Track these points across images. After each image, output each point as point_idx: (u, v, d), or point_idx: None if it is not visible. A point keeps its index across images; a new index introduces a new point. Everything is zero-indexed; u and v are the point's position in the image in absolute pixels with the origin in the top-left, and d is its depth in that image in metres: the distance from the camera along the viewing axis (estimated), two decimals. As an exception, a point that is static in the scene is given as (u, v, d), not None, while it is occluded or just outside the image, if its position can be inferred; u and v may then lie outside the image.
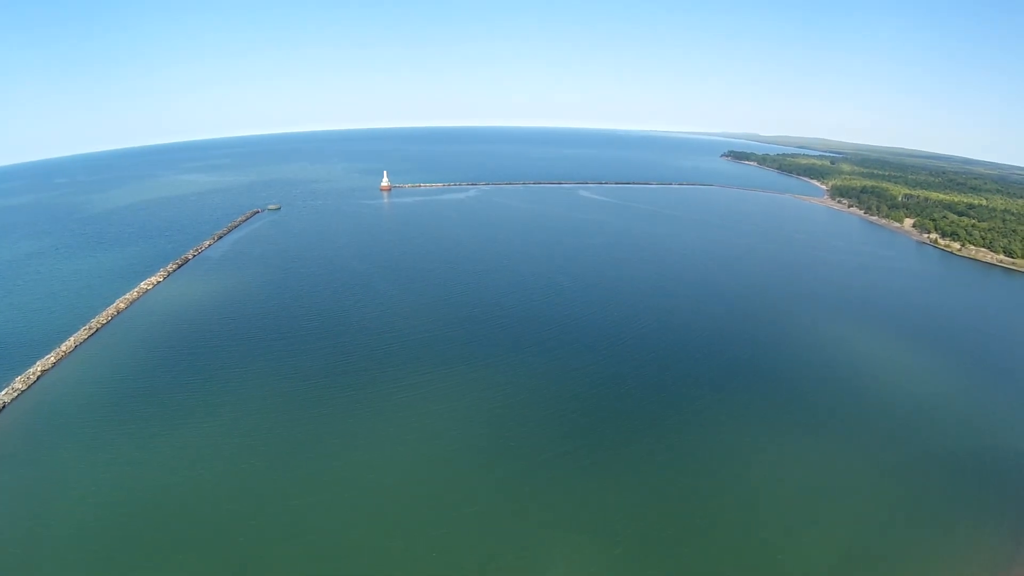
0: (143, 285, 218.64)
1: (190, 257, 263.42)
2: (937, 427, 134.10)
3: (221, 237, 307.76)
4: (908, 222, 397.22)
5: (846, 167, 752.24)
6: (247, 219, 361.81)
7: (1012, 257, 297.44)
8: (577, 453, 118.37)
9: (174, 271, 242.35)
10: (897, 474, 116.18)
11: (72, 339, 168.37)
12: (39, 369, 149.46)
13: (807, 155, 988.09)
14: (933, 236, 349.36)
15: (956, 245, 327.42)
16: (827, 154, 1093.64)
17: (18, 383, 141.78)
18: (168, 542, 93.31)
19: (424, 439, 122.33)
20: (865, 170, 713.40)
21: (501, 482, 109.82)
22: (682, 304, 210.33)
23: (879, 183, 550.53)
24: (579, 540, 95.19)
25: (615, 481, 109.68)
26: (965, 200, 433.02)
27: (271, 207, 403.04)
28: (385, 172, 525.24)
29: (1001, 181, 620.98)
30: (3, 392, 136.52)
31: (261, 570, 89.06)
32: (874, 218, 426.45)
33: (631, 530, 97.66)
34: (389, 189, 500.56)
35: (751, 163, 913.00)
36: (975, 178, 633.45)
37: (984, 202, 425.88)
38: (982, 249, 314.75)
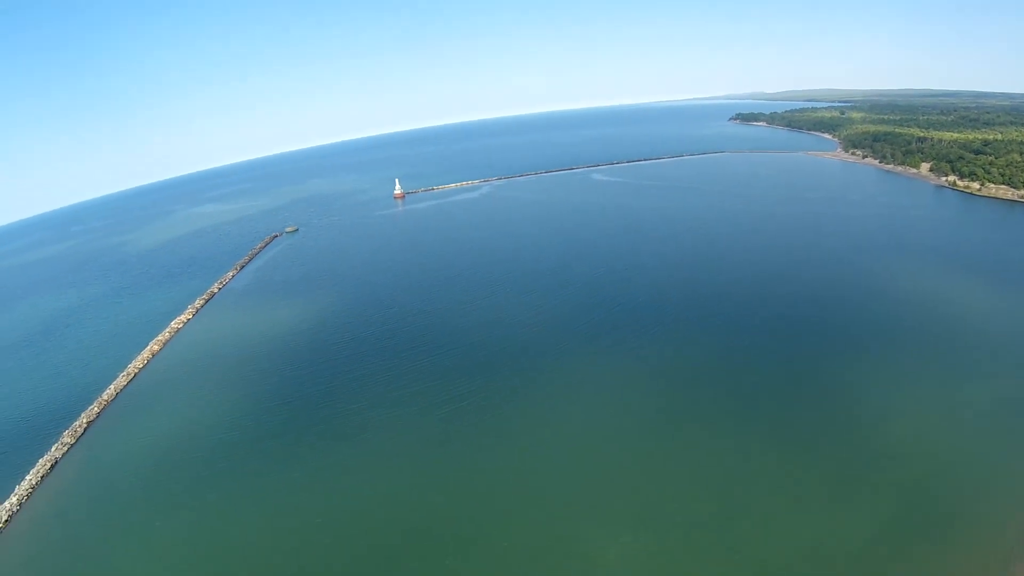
0: (174, 324, 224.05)
1: (216, 291, 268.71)
2: None
3: (243, 267, 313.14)
4: (925, 166, 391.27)
5: (856, 115, 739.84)
6: (266, 245, 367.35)
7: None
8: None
9: (202, 307, 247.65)
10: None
11: (113, 387, 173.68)
12: (84, 421, 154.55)
13: (816, 108, 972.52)
14: (951, 178, 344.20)
15: (976, 185, 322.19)
16: (836, 104, 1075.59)
17: (67, 437, 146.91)
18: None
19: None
20: (876, 116, 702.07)
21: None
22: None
23: (891, 128, 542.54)
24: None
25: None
26: (980, 137, 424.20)
27: (289, 229, 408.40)
28: (397, 180, 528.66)
29: (1015, 112, 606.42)
30: (54, 448, 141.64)
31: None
32: (889, 166, 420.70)
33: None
34: (403, 196, 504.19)
35: (760, 123, 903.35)
36: (987, 111, 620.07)
37: (999, 136, 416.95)
38: (1002, 187, 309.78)
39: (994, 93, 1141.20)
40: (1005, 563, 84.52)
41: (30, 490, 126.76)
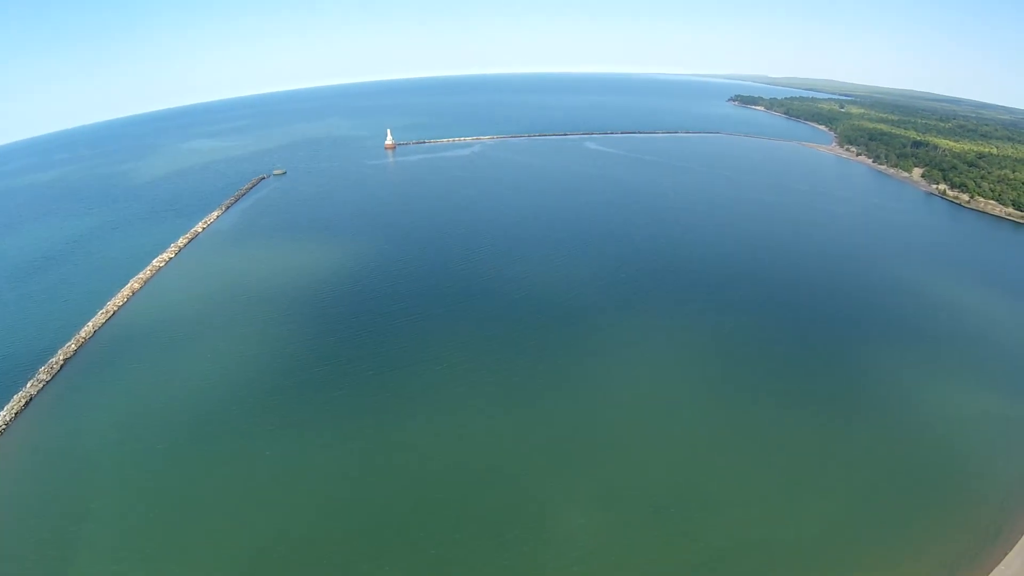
0: (155, 263, 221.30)
1: (200, 231, 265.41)
2: None
3: (229, 207, 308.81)
4: (917, 171, 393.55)
5: (855, 110, 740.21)
6: (253, 186, 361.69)
7: (1021, 210, 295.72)
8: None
9: (185, 246, 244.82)
10: (890, 439, 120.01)
11: (91, 324, 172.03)
12: (61, 358, 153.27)
13: (816, 98, 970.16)
14: (942, 187, 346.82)
15: (965, 197, 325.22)
16: (837, 97, 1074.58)
17: (42, 374, 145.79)
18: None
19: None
20: (875, 113, 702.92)
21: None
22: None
23: (889, 128, 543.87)
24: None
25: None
26: (975, 148, 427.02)
27: (276, 172, 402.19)
28: (389, 130, 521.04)
29: (1012, 127, 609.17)
30: (29, 384, 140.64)
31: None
32: (882, 167, 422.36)
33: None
34: (394, 147, 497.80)
35: (759, 108, 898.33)
36: (986, 124, 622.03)
37: (995, 150, 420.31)
38: (991, 201, 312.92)
39: (995, 105, 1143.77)
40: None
41: (3, 426, 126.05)
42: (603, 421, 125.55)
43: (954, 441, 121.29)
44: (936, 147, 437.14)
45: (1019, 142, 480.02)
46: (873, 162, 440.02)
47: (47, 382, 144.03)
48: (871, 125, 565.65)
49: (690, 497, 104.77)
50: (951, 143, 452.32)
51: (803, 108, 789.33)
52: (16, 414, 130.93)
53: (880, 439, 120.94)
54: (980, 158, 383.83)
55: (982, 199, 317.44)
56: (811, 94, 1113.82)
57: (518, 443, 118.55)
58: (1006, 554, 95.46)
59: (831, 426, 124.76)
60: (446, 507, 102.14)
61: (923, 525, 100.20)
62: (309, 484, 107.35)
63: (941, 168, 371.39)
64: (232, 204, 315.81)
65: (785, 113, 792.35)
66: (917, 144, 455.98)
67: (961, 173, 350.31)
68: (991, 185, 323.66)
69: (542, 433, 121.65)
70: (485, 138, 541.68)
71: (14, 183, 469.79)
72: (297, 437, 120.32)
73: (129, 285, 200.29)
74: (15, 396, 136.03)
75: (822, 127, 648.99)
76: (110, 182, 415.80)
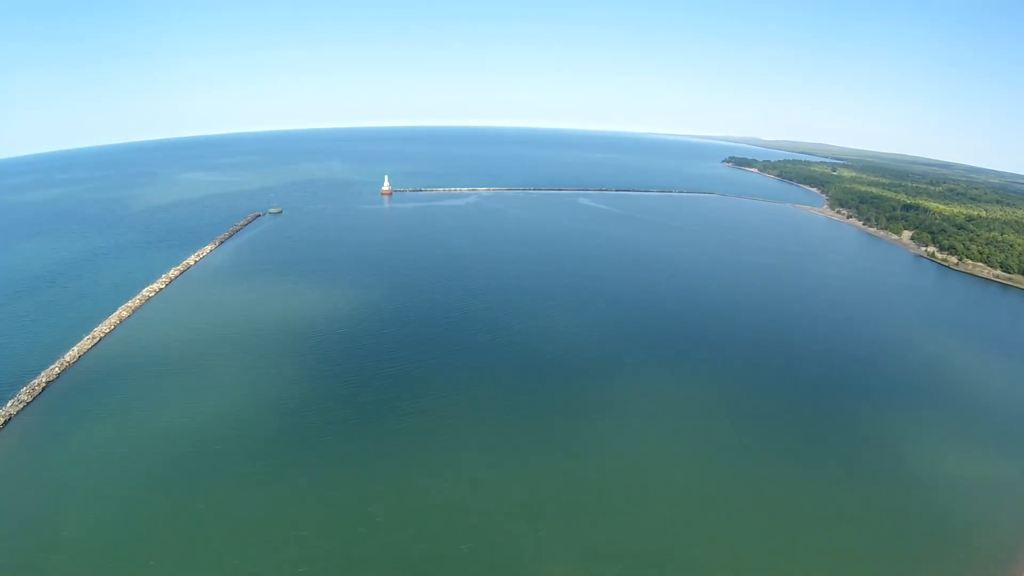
0: (146, 292, 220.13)
1: (192, 263, 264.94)
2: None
3: (223, 242, 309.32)
4: (906, 234, 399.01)
5: (847, 174, 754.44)
6: (249, 223, 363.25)
7: (1008, 272, 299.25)
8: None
9: (176, 277, 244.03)
10: (874, 506, 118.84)
11: (76, 349, 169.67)
12: (43, 381, 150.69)
13: (809, 161, 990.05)
14: (931, 249, 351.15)
15: (953, 259, 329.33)
16: (829, 160, 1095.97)
17: (24, 395, 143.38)
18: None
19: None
20: (866, 177, 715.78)
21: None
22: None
23: (879, 191, 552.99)
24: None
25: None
26: (964, 211, 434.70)
27: (272, 210, 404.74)
28: (386, 176, 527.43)
29: (1002, 191, 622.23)
30: (9, 404, 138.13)
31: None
32: (872, 229, 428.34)
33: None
34: (390, 194, 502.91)
35: (752, 170, 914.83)
36: (975, 187, 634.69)
37: (983, 214, 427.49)
38: (979, 264, 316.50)
39: (985, 170, 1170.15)
40: None
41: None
42: (592, 477, 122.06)
43: (945, 504, 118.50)
44: (926, 210, 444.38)
45: (1008, 205, 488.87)
46: (863, 224, 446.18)
47: (27, 403, 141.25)
48: (862, 188, 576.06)
49: (679, 556, 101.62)
50: (941, 206, 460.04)
51: (796, 170, 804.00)
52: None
53: (872, 500, 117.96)
54: (969, 221, 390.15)
55: (971, 261, 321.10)
56: (804, 157, 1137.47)
57: (505, 496, 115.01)
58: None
59: (824, 486, 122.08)
60: (428, 559, 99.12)
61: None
62: (285, 529, 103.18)
63: (930, 231, 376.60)
64: (226, 239, 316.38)
65: (778, 175, 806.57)
66: (907, 207, 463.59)
67: (950, 236, 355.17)
68: (980, 247, 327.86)
69: (530, 487, 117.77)
70: (481, 189, 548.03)
71: (10, 199, 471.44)
72: (277, 481, 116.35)
73: (117, 313, 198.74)
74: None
75: (814, 189, 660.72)
76: (106, 207, 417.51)
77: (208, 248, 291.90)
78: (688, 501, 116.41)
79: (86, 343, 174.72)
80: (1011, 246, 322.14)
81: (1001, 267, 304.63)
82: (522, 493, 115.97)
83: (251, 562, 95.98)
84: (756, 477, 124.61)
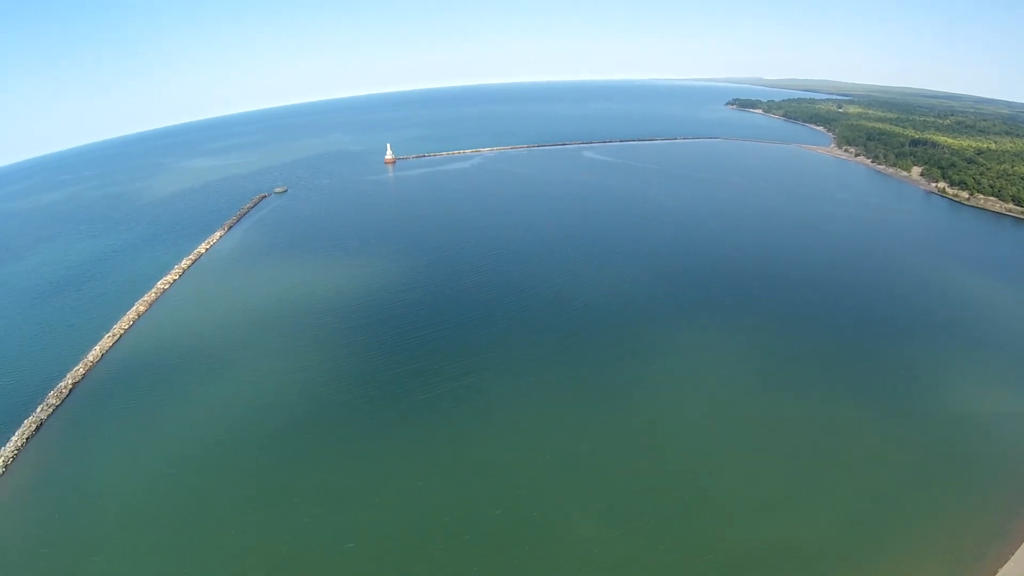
0: (160, 285, 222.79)
1: (203, 251, 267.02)
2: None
3: (231, 227, 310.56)
4: (916, 170, 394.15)
5: (853, 110, 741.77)
6: (255, 205, 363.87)
7: (1021, 205, 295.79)
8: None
9: (189, 267, 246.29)
10: (898, 436, 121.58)
11: (98, 347, 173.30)
12: (70, 382, 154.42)
13: (814, 99, 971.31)
14: (941, 185, 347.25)
15: (964, 194, 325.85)
16: (834, 97, 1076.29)
17: (52, 398, 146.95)
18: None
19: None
20: (873, 112, 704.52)
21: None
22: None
23: (887, 126, 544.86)
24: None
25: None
26: (974, 144, 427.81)
27: (278, 190, 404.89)
28: (388, 145, 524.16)
29: (1011, 121, 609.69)
30: (39, 410, 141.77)
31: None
32: (881, 167, 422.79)
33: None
34: (394, 162, 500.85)
35: (757, 111, 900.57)
36: (984, 119, 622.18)
37: (993, 146, 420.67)
38: (991, 198, 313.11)
39: (994, 100, 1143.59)
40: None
41: (15, 451, 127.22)
42: (622, 429, 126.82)
43: (962, 439, 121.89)
44: (935, 144, 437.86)
45: (1018, 136, 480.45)
46: (872, 162, 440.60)
47: (56, 406, 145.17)
48: (869, 124, 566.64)
49: (700, 503, 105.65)
50: (950, 140, 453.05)
51: (801, 110, 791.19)
52: (28, 439, 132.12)
53: (889, 438, 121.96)
54: (979, 154, 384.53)
55: (981, 196, 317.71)
56: (809, 95, 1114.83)
57: (537, 456, 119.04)
58: (1014, 552, 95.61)
59: (841, 426, 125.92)
60: (463, 525, 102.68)
61: (931, 525, 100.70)
62: (328, 523, 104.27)
63: (940, 166, 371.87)
64: (234, 224, 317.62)
65: (784, 115, 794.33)
66: (915, 142, 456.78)
67: (960, 170, 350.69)
68: (990, 181, 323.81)
69: (564, 444, 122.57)
70: (485, 150, 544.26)
71: (19, 205, 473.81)
72: (314, 469, 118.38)
73: (134, 308, 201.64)
74: (26, 420, 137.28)
75: (820, 128, 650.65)
76: (112, 203, 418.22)
77: (217, 234, 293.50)
78: (717, 444, 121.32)
79: (107, 341, 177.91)
80: (1022, 178, 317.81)
81: (1013, 200, 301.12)
82: (555, 451, 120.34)
83: (295, 545, 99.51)
84: (773, 416, 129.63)
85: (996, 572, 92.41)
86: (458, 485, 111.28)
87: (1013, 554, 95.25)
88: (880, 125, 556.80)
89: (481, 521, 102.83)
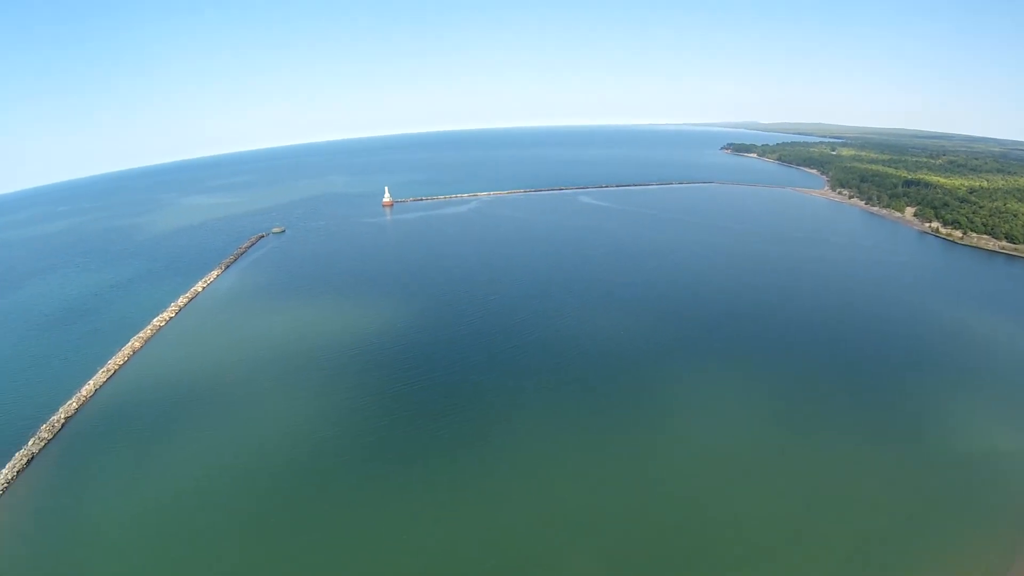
0: (156, 322, 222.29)
1: (200, 290, 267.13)
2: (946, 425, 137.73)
3: (228, 266, 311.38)
4: (909, 211, 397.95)
5: (847, 152, 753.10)
6: (253, 244, 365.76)
7: (1014, 243, 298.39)
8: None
9: (185, 305, 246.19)
10: (904, 475, 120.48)
11: (92, 383, 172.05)
12: (63, 417, 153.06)
13: (807, 143, 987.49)
14: (935, 225, 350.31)
15: (958, 233, 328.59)
16: (828, 140, 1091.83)
17: (44, 432, 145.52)
18: None
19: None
20: (866, 154, 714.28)
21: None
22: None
23: (880, 168, 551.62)
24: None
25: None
26: (966, 183, 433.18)
27: (275, 230, 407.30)
28: (386, 188, 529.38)
29: (1003, 159, 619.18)
30: (31, 443, 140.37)
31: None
32: (875, 208, 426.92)
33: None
34: (391, 205, 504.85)
35: (752, 155, 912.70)
36: (976, 157, 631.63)
37: (985, 184, 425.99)
38: (984, 236, 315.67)
39: (985, 138, 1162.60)
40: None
41: (5, 485, 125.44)
42: (617, 473, 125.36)
43: (964, 477, 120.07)
44: (928, 184, 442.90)
45: (1010, 173, 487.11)
46: (866, 204, 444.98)
47: (49, 440, 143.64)
48: (862, 166, 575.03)
49: (702, 549, 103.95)
50: (942, 179, 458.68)
51: (795, 153, 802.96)
52: (18, 472, 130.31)
53: (892, 478, 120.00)
54: (972, 193, 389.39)
55: (975, 235, 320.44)
56: (803, 138, 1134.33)
57: (528, 499, 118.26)
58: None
59: (844, 466, 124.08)
60: (451, 567, 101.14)
61: (931, 564, 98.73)
62: (320, 568, 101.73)
63: (933, 206, 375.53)
64: (231, 263, 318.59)
65: (778, 159, 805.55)
66: (908, 183, 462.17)
67: (953, 210, 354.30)
68: (983, 219, 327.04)
69: (552, 486, 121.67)
70: (482, 194, 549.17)
71: (18, 234, 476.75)
72: (307, 512, 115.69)
73: (130, 344, 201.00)
74: (17, 454, 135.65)
75: (814, 171, 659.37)
76: (110, 238, 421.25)
77: (215, 273, 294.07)
78: (717, 488, 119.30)
79: (101, 377, 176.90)
80: (1015, 216, 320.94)
81: (1007, 238, 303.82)
82: (552, 496, 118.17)
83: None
84: (785, 459, 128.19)
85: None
86: (452, 532, 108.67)
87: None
88: (873, 167, 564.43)
89: (474, 568, 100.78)
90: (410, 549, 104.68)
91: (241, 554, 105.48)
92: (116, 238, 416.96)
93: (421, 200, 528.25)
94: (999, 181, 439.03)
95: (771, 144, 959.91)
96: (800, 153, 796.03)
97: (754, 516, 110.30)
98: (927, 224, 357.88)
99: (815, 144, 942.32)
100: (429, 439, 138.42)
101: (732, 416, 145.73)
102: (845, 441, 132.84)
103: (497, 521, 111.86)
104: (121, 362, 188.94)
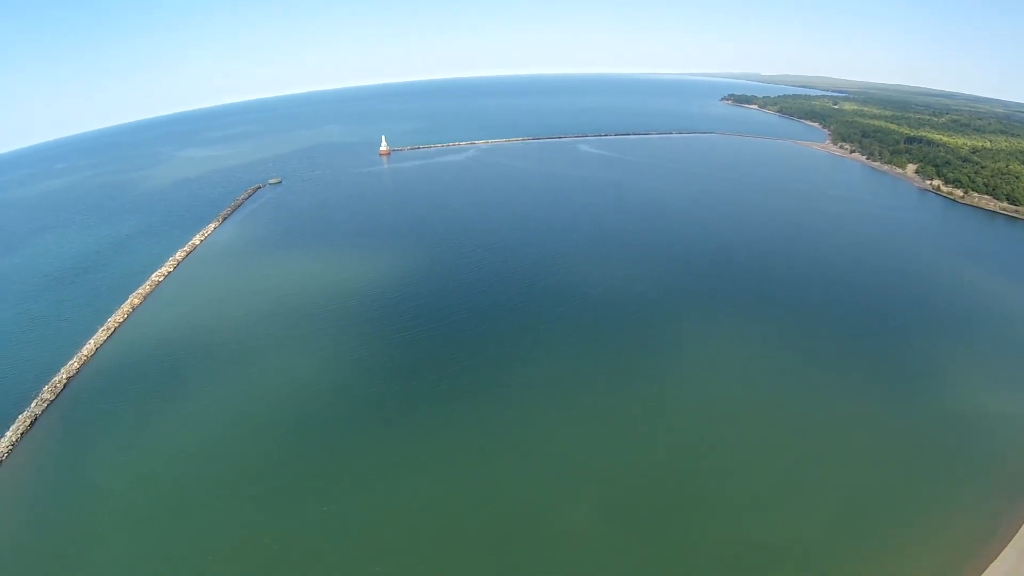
0: (155, 277, 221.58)
1: (198, 243, 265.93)
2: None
3: (226, 219, 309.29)
4: (911, 168, 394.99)
5: (849, 107, 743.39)
6: (249, 196, 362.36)
7: (1015, 204, 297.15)
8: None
9: (183, 259, 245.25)
10: (898, 431, 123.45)
11: (92, 342, 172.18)
12: (64, 377, 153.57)
13: (809, 95, 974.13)
14: (936, 183, 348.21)
15: (959, 192, 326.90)
16: (830, 93, 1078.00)
17: (46, 393, 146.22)
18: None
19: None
20: (868, 109, 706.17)
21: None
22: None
23: (882, 123, 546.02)
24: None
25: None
26: (969, 143, 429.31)
27: (272, 181, 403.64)
28: (384, 137, 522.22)
29: (1006, 120, 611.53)
30: (33, 404, 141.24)
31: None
32: (876, 164, 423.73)
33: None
34: (388, 153, 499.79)
35: (752, 106, 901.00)
36: (980, 118, 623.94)
37: (988, 144, 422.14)
38: (985, 196, 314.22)
39: (989, 99, 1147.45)
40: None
41: (10, 447, 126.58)
42: (616, 423, 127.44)
43: (959, 436, 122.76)
44: (930, 142, 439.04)
45: (1013, 135, 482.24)
46: (867, 159, 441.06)
47: (51, 401, 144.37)
48: (864, 121, 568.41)
49: (697, 498, 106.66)
50: (945, 138, 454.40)
51: (797, 106, 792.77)
52: (22, 434, 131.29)
53: (889, 435, 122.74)
54: (974, 152, 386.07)
55: (976, 194, 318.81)
56: (805, 91, 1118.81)
57: (530, 448, 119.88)
58: (1002, 549, 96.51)
59: (839, 422, 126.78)
60: (455, 516, 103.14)
61: (924, 522, 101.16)
62: (326, 520, 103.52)
63: (935, 164, 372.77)
64: (229, 215, 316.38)
65: (779, 111, 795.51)
66: (911, 140, 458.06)
67: (955, 168, 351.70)
68: (985, 180, 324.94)
69: (553, 436, 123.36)
70: (480, 142, 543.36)
71: (15, 194, 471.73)
72: (313, 465, 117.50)
73: (129, 301, 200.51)
74: (20, 416, 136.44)
75: (815, 124, 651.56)
76: (107, 193, 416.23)
77: (212, 226, 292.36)
78: (713, 440, 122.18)
79: (101, 335, 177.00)
80: (1017, 177, 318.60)
81: (1008, 199, 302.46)
82: (554, 446, 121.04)
83: (294, 543, 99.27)
84: (782, 414, 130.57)
85: (985, 568, 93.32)
86: (456, 482, 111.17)
87: (1001, 552, 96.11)
88: (875, 122, 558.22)
89: (479, 516, 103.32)
90: (416, 497, 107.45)
91: (247, 506, 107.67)
92: (114, 194, 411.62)
93: (419, 148, 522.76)
94: (1002, 142, 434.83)
95: (772, 96, 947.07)
96: (802, 106, 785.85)
97: (752, 466, 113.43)
98: (928, 182, 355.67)
99: (817, 97, 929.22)
100: (432, 388, 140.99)
101: (731, 367, 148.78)
102: (842, 394, 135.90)
103: (499, 469, 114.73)
104: (121, 319, 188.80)
